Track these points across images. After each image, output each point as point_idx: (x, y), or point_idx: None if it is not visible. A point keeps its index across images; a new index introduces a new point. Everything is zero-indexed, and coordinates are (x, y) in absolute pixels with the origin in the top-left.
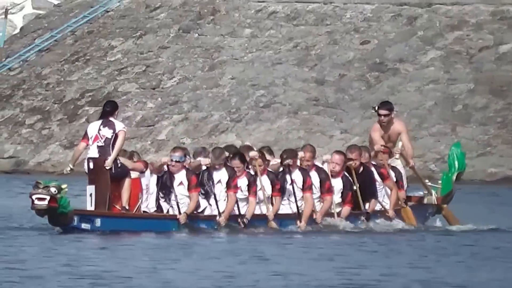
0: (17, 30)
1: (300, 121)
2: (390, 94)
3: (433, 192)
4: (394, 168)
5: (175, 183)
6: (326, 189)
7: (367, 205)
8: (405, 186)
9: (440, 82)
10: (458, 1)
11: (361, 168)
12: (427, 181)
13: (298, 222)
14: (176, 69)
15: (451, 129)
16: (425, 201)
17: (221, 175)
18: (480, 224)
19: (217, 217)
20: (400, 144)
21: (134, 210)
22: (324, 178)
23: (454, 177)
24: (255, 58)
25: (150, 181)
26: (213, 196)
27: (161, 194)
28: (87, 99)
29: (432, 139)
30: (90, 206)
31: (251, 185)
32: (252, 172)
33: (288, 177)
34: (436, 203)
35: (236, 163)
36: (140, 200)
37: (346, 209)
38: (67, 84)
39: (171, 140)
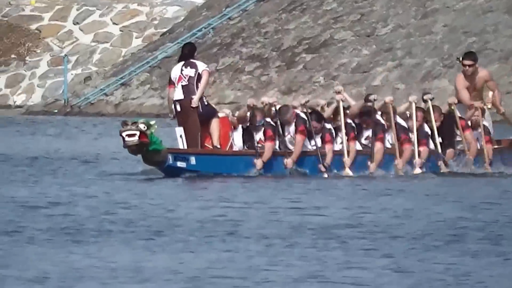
0: None
1: (511, 66)
2: None
3: None
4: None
5: (256, 139)
6: (403, 139)
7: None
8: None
9: None
10: None
11: (442, 121)
12: None
13: (369, 163)
14: (390, 17)
15: None
16: None
17: (290, 130)
18: None
19: (285, 160)
20: (490, 93)
21: (226, 149)
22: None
23: None
24: (466, 7)
25: (234, 136)
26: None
27: (245, 147)
28: (304, 47)
29: None
30: (182, 147)
31: (324, 135)
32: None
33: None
34: None
35: (313, 123)
36: (231, 139)
37: (424, 150)
38: (284, 33)
39: (386, 86)
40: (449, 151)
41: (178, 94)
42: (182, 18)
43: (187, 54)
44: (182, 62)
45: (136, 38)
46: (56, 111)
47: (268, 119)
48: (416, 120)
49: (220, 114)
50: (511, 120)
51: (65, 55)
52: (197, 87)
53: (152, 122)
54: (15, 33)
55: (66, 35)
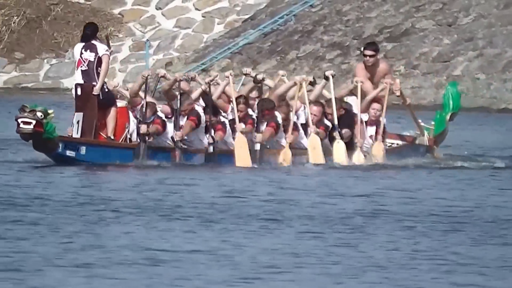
0: None
1: None
2: None
3: (426, 133)
4: (378, 122)
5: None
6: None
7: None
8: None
9: None
10: None
11: (343, 114)
12: (420, 121)
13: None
14: (472, 7)
15: None
16: (417, 141)
17: (183, 122)
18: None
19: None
20: (397, 81)
21: (121, 140)
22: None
23: (448, 117)
24: None
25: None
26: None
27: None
28: (385, 35)
29: None
30: (76, 134)
31: (216, 126)
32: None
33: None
34: (427, 144)
35: (207, 117)
36: (127, 130)
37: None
38: (366, 21)
39: (466, 76)
40: (345, 131)
41: (78, 78)
42: (264, 4)
43: (89, 35)
44: (82, 44)
45: (218, 24)
46: None
47: (161, 114)
48: (315, 115)
49: (119, 104)
50: (414, 113)
51: (147, 40)
52: (97, 72)
53: (50, 111)
54: (97, 17)
55: (149, 20)
